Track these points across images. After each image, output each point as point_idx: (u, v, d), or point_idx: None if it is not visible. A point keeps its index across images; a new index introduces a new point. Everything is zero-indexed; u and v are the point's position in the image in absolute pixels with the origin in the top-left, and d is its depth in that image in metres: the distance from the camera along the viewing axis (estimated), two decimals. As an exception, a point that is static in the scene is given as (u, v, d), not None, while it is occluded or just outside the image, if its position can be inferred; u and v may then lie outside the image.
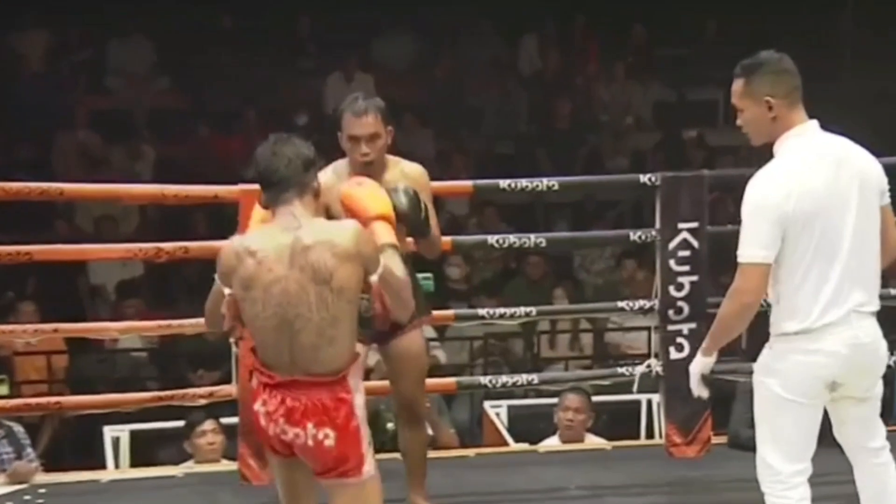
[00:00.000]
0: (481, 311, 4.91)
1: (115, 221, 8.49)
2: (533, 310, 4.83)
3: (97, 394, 5.77)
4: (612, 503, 4.45)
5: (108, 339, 6.86)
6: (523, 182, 4.75)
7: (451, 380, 5.11)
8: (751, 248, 3.16)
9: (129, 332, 5.25)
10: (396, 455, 4.03)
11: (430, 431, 5.46)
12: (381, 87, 9.86)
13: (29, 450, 5.21)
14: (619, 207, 9.34)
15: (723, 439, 5.01)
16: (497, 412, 6.12)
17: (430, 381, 5.06)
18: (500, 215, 8.90)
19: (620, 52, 10.63)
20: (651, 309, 4.81)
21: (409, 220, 3.62)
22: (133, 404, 4.68)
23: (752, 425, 5.03)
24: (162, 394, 4.61)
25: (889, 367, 3.39)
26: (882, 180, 3.29)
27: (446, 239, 4.67)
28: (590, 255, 8.86)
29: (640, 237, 4.80)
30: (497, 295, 7.86)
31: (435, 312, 5.03)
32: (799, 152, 3.21)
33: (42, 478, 4.77)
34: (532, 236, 4.81)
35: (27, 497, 4.50)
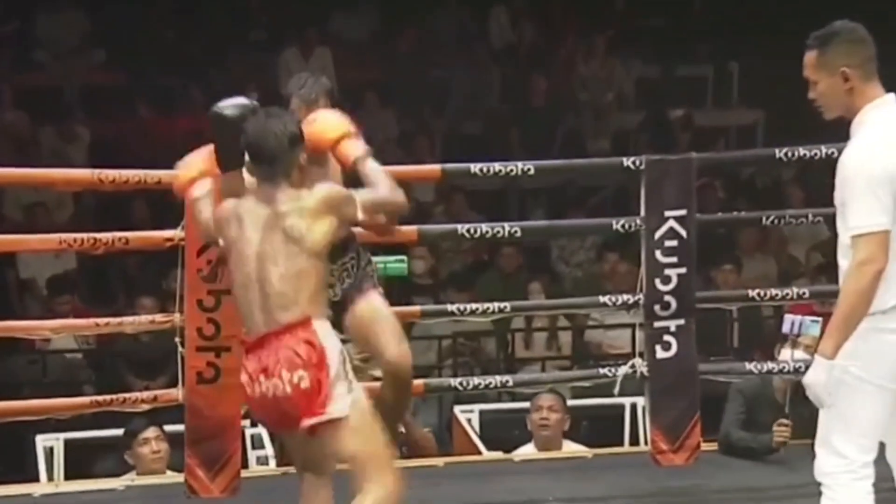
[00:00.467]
0: (450, 307, 4.92)
1: (47, 209, 8.45)
2: (507, 305, 4.86)
3: (27, 399, 5.75)
4: (594, 515, 4.50)
5: (38, 339, 6.83)
6: (496, 166, 4.75)
7: (418, 382, 5.12)
8: (868, 217, 3.27)
9: (63, 331, 5.24)
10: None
11: (401, 430, 5.53)
12: (340, 62, 9.88)
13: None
14: (600, 194, 9.38)
15: (712, 446, 5.06)
16: (468, 417, 6.14)
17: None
18: (470, 202, 8.92)
19: (600, 23, 10.67)
20: (636, 304, 4.83)
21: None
22: (69, 410, 4.67)
23: (744, 426, 5.13)
24: (100, 398, 4.60)
25: None
26: None
27: (411, 228, 4.71)
28: (569, 245, 8.89)
29: (623, 226, 4.83)
30: (467, 289, 7.88)
31: (399, 308, 5.08)
32: (883, 122, 3.35)
33: (-33, 492, 4.76)
34: (506, 225, 4.82)
35: (-51, 515, 4.50)
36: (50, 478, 5.55)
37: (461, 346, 7.39)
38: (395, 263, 4.58)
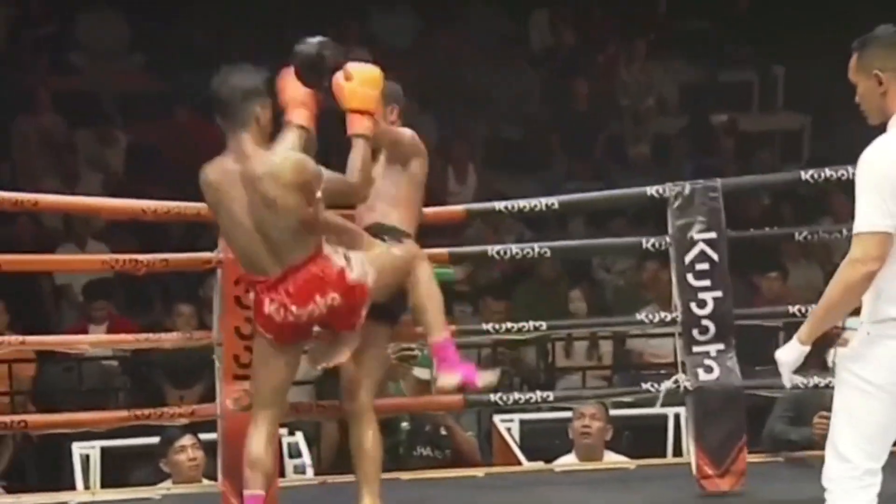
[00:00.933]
0: (486, 326, 4.93)
1: (84, 215, 8.47)
2: (543, 324, 4.85)
3: (63, 407, 5.79)
4: (636, 529, 4.47)
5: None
6: (520, 203, 4.78)
7: (458, 396, 5.10)
8: (869, 216, 3.28)
9: (100, 345, 5.25)
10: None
11: (444, 433, 5.54)
12: (378, 65, 9.86)
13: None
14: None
15: (758, 457, 5.01)
16: (508, 427, 6.12)
17: (433, 399, 5.09)
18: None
19: (641, 27, 10.63)
20: (673, 321, 4.80)
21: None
22: (108, 423, 4.67)
23: (790, 422, 5.09)
24: (138, 412, 4.60)
25: None
26: None
27: (441, 251, 4.69)
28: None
29: (653, 245, 4.80)
30: (506, 298, 7.87)
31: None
32: None
33: (3, 500, 4.78)
34: (535, 246, 4.82)
35: (-13, 522, 4.52)
36: (86, 486, 5.57)
37: (501, 355, 7.37)
38: (442, 270, 4.57)
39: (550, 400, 4.99)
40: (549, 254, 4.89)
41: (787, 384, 3.47)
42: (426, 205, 4.47)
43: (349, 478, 4.27)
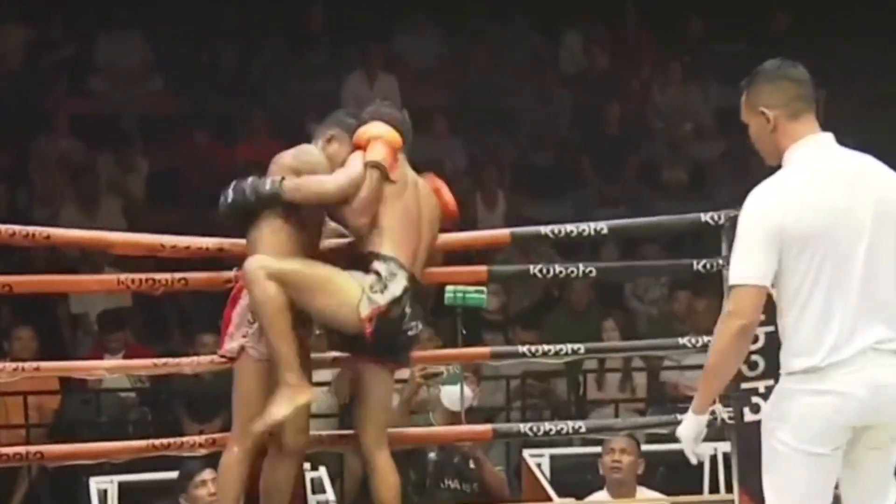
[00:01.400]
0: (521, 349, 4.89)
1: (103, 241, 8.50)
2: (581, 346, 4.82)
3: (81, 440, 5.78)
4: (672, 570, 4.43)
5: (91, 378, 6.86)
6: (568, 227, 4.73)
7: (487, 427, 5.09)
8: (743, 267, 3.21)
9: (119, 371, 5.26)
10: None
11: (472, 466, 5.51)
12: (406, 88, 9.90)
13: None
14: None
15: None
16: (538, 462, 6.08)
17: (461, 429, 5.07)
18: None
19: (677, 49, 10.62)
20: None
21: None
22: (126, 454, 4.68)
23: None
24: (157, 442, 4.61)
25: None
26: None
27: (480, 268, 4.68)
28: (642, 282, 8.83)
29: (705, 266, 4.76)
30: (536, 327, 7.84)
31: (467, 350, 5.05)
32: (805, 165, 3.28)
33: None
34: (581, 265, 4.78)
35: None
36: (104, 521, 5.57)
37: (530, 386, 7.35)
38: (474, 294, 4.57)
39: (582, 431, 4.95)
40: (594, 273, 4.84)
41: (693, 460, 3.39)
42: (457, 230, 4.50)
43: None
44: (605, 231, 4.77)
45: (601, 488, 5.58)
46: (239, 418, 4.21)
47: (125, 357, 7.09)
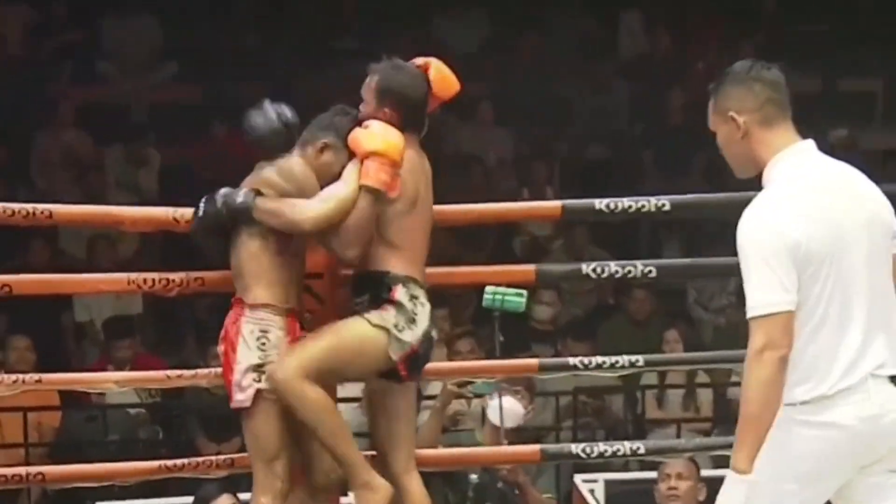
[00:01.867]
0: (573, 361, 4.88)
1: (110, 242, 8.56)
2: (639, 359, 4.80)
3: (85, 460, 5.82)
4: None
5: (96, 393, 6.88)
6: (625, 202, 4.68)
7: (535, 447, 5.08)
8: (769, 294, 3.17)
9: (128, 383, 5.28)
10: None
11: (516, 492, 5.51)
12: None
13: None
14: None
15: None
16: (591, 488, 6.09)
17: (505, 450, 5.05)
18: (594, 236, 8.88)
19: (748, 29, 10.58)
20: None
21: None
22: (134, 476, 4.69)
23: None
24: (170, 463, 4.62)
25: None
26: (893, 219, 3.34)
27: (528, 268, 4.67)
28: (707, 288, 8.79)
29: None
30: (589, 338, 7.83)
31: (513, 361, 5.04)
32: (796, 177, 3.29)
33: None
34: (639, 264, 4.74)
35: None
36: (110, 551, 5.60)
37: (583, 404, 7.33)
38: (513, 297, 4.56)
39: (641, 453, 4.91)
40: (653, 273, 4.79)
41: None
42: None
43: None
44: (667, 207, 4.72)
45: (661, 517, 5.56)
46: (261, 463, 4.13)
47: (134, 369, 7.13)
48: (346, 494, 4.34)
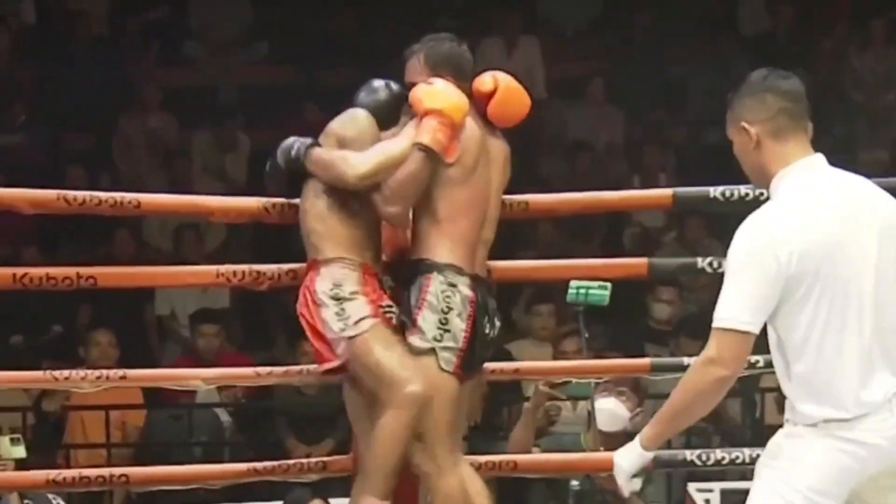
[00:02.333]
0: (687, 361, 4.86)
1: (198, 233, 8.65)
2: (759, 359, 4.78)
3: (170, 462, 5.89)
4: None
5: (182, 391, 6.95)
6: (742, 189, 4.69)
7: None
8: (733, 310, 3.29)
9: (216, 381, 5.34)
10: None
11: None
12: (551, 55, 9.90)
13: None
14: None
15: None
16: (706, 497, 6.07)
17: (609, 457, 5.04)
18: (709, 227, 8.83)
19: (880, 4, 10.47)
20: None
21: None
22: (224, 479, 4.74)
23: None
24: (259, 466, 4.67)
25: None
26: None
27: (640, 261, 4.66)
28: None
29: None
30: (704, 336, 7.77)
31: (622, 361, 5.03)
32: (802, 191, 3.37)
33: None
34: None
35: None
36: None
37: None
38: (597, 290, 4.58)
39: (762, 460, 4.91)
40: None
41: (626, 492, 3.49)
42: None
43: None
44: None
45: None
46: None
47: (219, 366, 7.21)
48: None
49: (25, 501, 5.28)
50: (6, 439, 5.28)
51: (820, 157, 3.42)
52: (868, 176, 3.68)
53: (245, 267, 4.60)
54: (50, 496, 5.39)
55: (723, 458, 4.82)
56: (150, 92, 9.59)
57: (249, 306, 8.25)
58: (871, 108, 10.18)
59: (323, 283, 4.15)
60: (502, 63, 9.75)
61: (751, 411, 7.52)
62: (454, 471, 4.20)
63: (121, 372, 4.84)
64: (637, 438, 3.44)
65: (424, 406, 4.08)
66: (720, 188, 4.72)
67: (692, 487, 6.17)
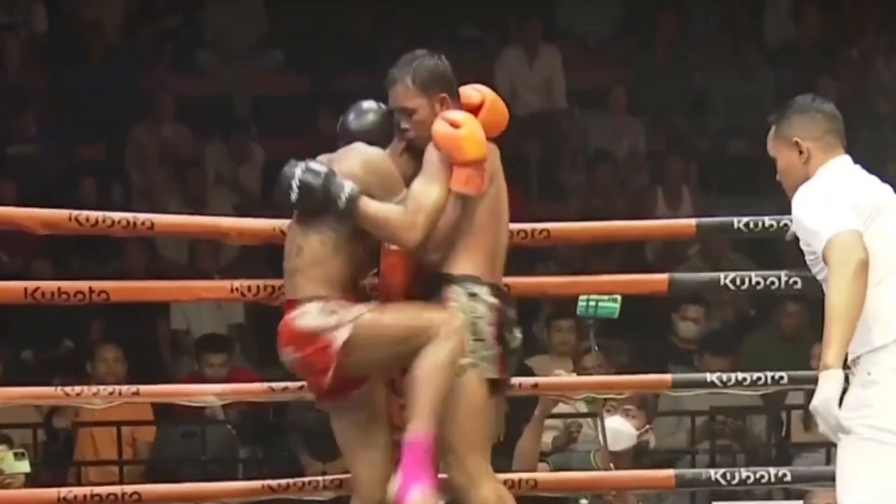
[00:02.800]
0: (710, 377, 4.86)
1: (212, 247, 8.63)
2: (783, 375, 4.77)
3: (182, 479, 5.90)
4: None
5: (195, 407, 6.95)
6: (766, 220, 4.75)
7: (668, 472, 5.07)
8: (835, 219, 3.65)
9: (230, 396, 5.36)
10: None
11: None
12: (572, 64, 9.89)
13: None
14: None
15: None
16: (730, 518, 6.05)
17: (638, 474, 5.03)
18: (734, 242, 8.82)
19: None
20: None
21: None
22: (237, 496, 4.75)
23: None
24: (272, 483, 4.68)
25: None
26: None
27: (661, 277, 4.65)
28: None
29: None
30: (729, 353, 7.77)
31: (644, 377, 5.03)
32: (847, 171, 3.89)
33: None
34: (782, 274, 4.74)
35: None
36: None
37: (721, 424, 7.28)
38: (607, 303, 4.60)
39: (787, 480, 4.91)
40: (799, 284, 4.78)
41: (835, 436, 3.62)
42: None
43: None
44: None
45: (808, 553, 5.52)
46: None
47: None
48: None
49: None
50: (10, 454, 5.30)
51: (848, 158, 3.94)
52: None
53: (260, 282, 4.65)
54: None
55: (748, 478, 4.81)
56: (162, 101, 9.61)
57: (265, 321, 8.24)
58: (898, 118, 10.17)
59: (304, 317, 4.21)
60: (523, 72, 9.79)
61: (776, 430, 7.50)
62: (488, 479, 4.24)
63: (134, 388, 4.86)
64: (822, 366, 3.59)
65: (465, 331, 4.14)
66: (745, 219, 4.78)
67: (716, 507, 6.16)
